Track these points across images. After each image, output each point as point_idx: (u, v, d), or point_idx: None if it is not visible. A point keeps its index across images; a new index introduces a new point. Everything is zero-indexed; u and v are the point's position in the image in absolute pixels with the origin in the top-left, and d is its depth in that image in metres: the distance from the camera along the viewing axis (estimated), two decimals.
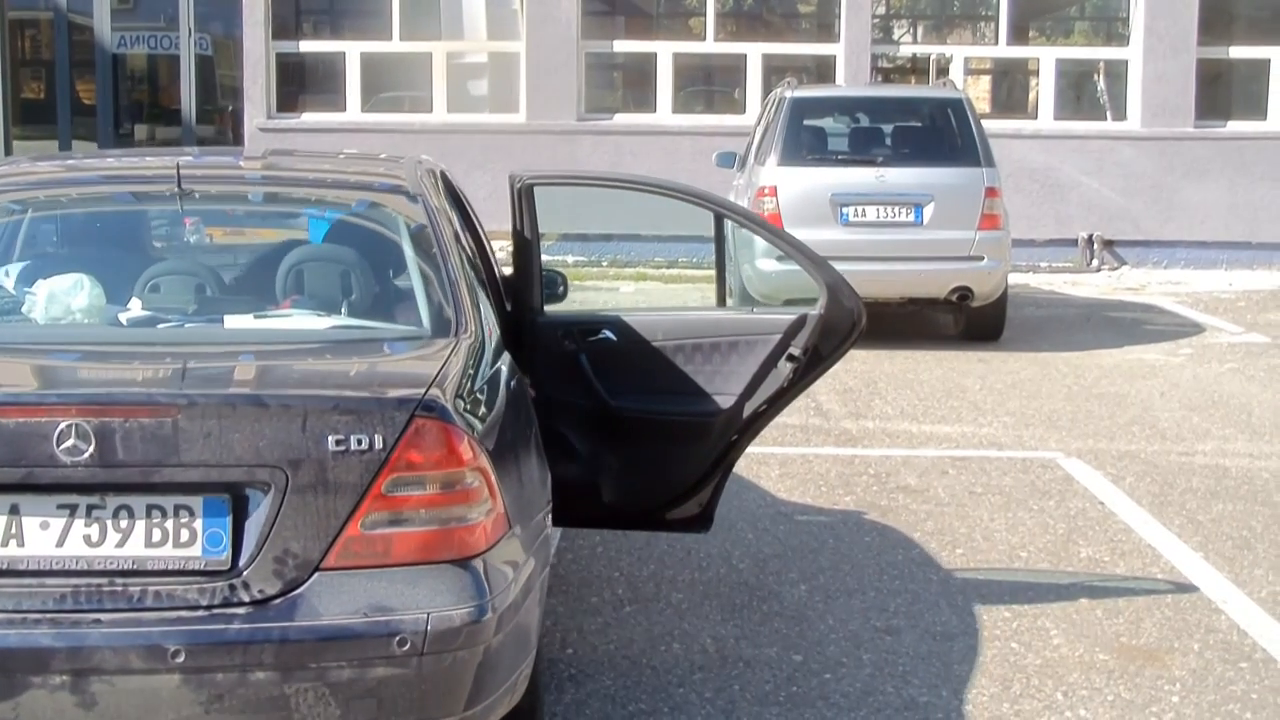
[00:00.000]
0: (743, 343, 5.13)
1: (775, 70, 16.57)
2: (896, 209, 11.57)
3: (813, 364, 5.11)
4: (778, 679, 5.03)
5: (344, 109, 17.19)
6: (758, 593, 5.86)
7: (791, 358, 5.05)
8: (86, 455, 3.47)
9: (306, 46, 17.44)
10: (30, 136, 18.70)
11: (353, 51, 17.26)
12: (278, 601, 3.52)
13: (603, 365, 5.12)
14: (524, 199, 5.19)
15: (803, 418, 8.89)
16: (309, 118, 17.09)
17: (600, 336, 5.18)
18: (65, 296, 4.43)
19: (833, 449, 8.31)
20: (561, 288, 5.58)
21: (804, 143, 12.05)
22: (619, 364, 5.14)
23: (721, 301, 5.38)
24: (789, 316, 5.12)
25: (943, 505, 7.16)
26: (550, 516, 4.45)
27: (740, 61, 16.97)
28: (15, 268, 4.79)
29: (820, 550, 6.42)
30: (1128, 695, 4.95)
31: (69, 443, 3.46)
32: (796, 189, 11.52)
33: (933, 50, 17.61)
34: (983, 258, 11.43)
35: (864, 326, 5.08)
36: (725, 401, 5.11)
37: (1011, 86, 18.72)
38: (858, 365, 10.58)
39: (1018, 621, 5.58)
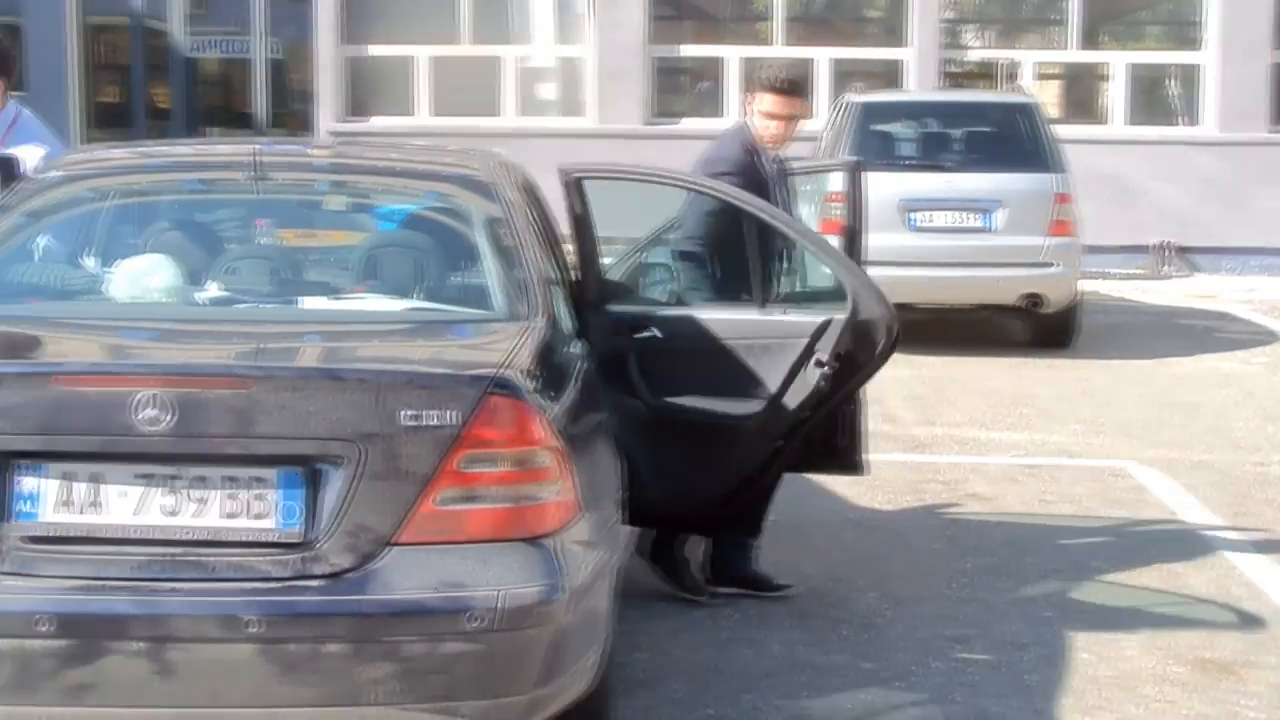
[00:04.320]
0: (775, 345, 5.16)
1: (844, 75, 16.53)
2: (966, 214, 11.50)
3: (850, 370, 5.09)
4: (847, 686, 4.98)
5: (414, 113, 17.29)
6: (826, 599, 5.81)
7: (820, 363, 5.04)
8: (165, 426, 3.51)
9: (377, 50, 17.55)
10: (106, 139, 18.93)
11: (423, 55, 17.36)
12: (351, 575, 3.53)
13: (648, 362, 5.18)
14: (574, 191, 5.21)
15: (872, 424, 8.76)
16: (379, 121, 17.20)
17: (648, 334, 5.23)
18: (144, 277, 4.50)
19: (902, 455, 8.23)
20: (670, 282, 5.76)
21: (872, 148, 11.98)
22: (664, 362, 5.20)
23: (763, 303, 5.36)
24: (816, 320, 5.13)
25: (1013, 513, 7.09)
26: (622, 507, 4.45)
27: (809, 66, 16.94)
28: (97, 249, 4.87)
29: (889, 557, 6.37)
30: (1203, 709, 4.85)
31: (148, 413, 3.50)
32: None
33: (1002, 55, 17.51)
34: (1053, 264, 11.33)
35: (898, 333, 5.05)
36: (758, 406, 5.15)
37: (1082, 91, 18.58)
38: (927, 372, 10.52)
39: (1090, 632, 5.49)
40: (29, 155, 5.58)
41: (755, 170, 5.81)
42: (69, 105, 18.06)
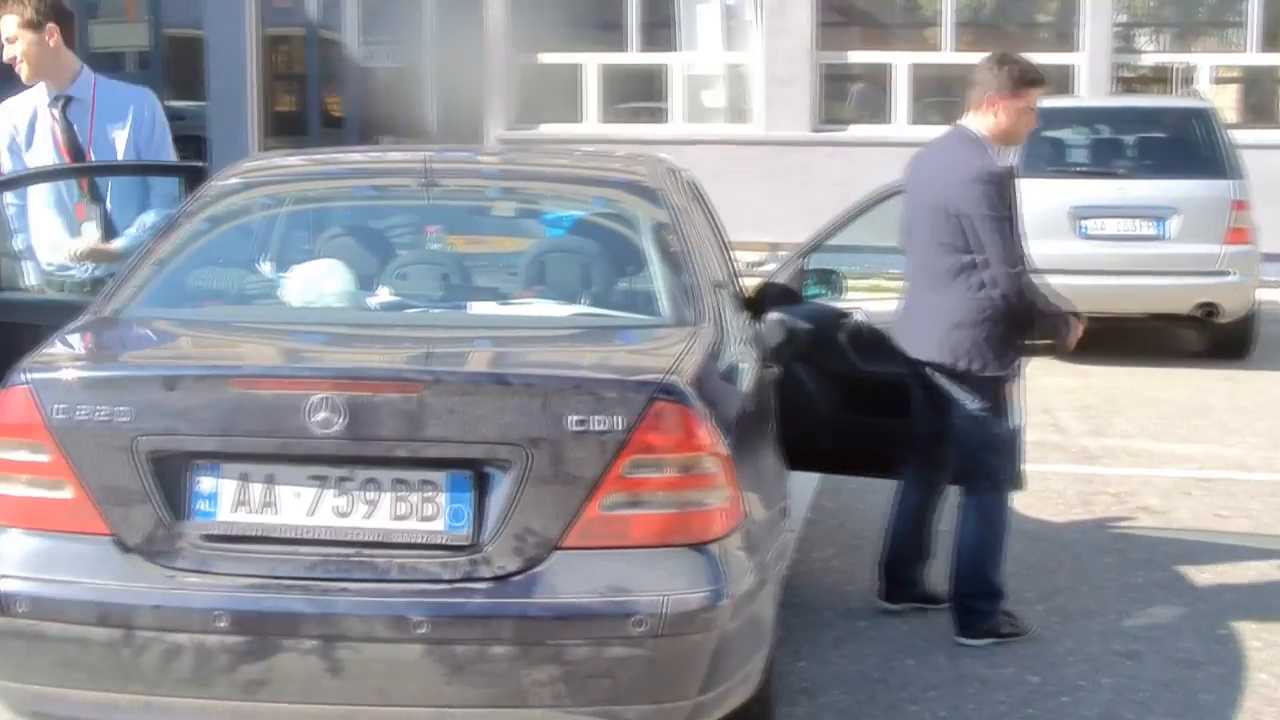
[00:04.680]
0: None
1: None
2: (1139, 222, 11.26)
3: None
4: (1013, 700, 4.91)
5: (582, 120, 17.42)
6: None
7: None
8: (337, 428, 3.57)
9: (546, 58, 17.72)
10: (282, 147, 19.37)
11: (591, 63, 17.50)
12: (518, 578, 3.57)
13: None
14: None
15: (1040, 434, 8.69)
16: (547, 129, 17.36)
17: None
18: (318, 282, 4.58)
19: (1071, 466, 8.10)
20: (836, 287, 5.86)
21: (1043, 154, 11.78)
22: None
23: None
24: None
25: (1186, 528, 6.93)
26: (787, 513, 4.44)
27: None
28: (272, 254, 4.98)
29: (1058, 570, 6.26)
30: None
31: (321, 415, 3.57)
32: (1035, 201, 11.20)
33: (1177, 59, 17.12)
34: (1230, 272, 11.04)
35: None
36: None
37: (1262, 95, 18.08)
38: (1097, 381, 10.33)
39: (1268, 652, 5.34)
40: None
41: None
42: (248, 114, 18.52)
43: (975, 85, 5.45)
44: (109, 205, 5.67)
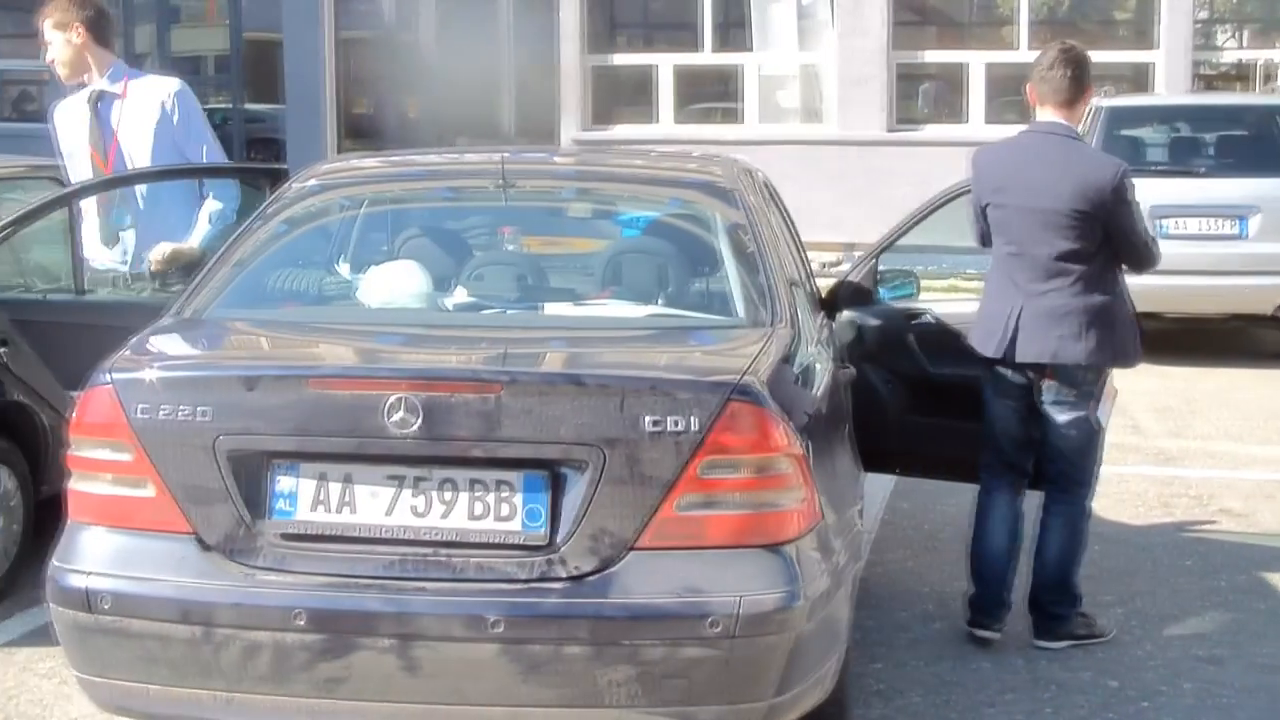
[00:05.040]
0: None
1: (1091, 78, 16.14)
2: (1219, 221, 11.14)
3: None
4: (1092, 704, 4.87)
5: (656, 121, 17.44)
6: None
7: None
8: (414, 428, 3.60)
9: (620, 60, 17.76)
10: (359, 149, 19.50)
11: (665, 64, 17.51)
12: (593, 578, 3.58)
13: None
14: None
15: (1118, 435, 8.59)
16: (622, 130, 17.39)
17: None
18: (394, 283, 4.62)
19: (1150, 468, 8.03)
20: (911, 288, 5.78)
21: (1120, 153, 11.58)
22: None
23: None
24: None
25: (1269, 531, 6.84)
26: (862, 514, 4.42)
27: None
28: (349, 256, 5.02)
29: (1137, 573, 6.20)
30: None
31: (398, 416, 3.59)
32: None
33: (1258, 55, 16.91)
34: None
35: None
36: None
37: None
38: (1175, 383, 10.22)
39: None
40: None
41: None
42: (324, 117, 18.60)
43: (1071, 81, 5.28)
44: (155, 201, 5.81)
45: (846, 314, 5.64)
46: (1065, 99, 5.30)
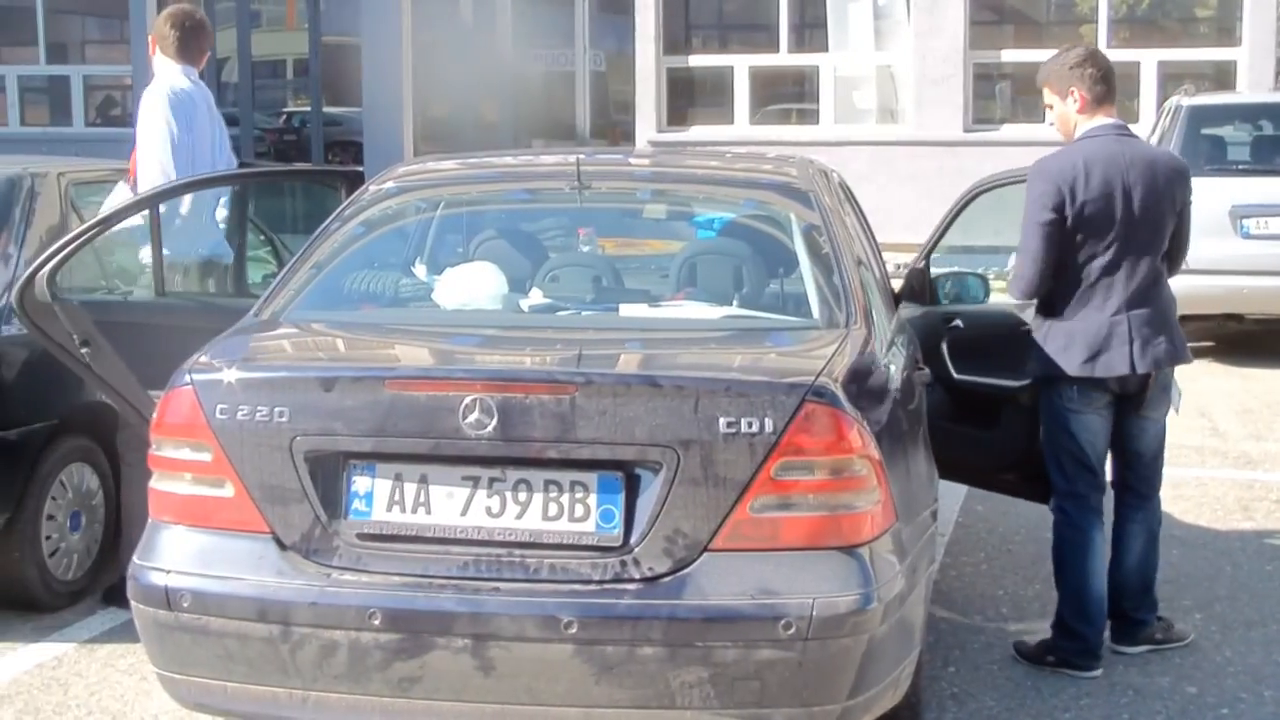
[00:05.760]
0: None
1: (1171, 77, 15.99)
2: None
3: None
4: (1170, 711, 4.81)
5: (732, 122, 17.43)
6: None
7: None
8: (489, 429, 3.62)
9: (696, 61, 17.76)
10: (436, 152, 19.63)
11: (741, 65, 17.49)
12: (667, 580, 3.59)
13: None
14: None
15: (1198, 438, 8.52)
16: (697, 131, 17.39)
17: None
18: (471, 285, 4.64)
19: (1231, 471, 7.92)
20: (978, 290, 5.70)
21: (1202, 152, 11.55)
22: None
23: None
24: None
25: None
26: (937, 515, 4.40)
27: (1134, 69, 16.43)
28: (426, 257, 5.06)
29: (1217, 578, 6.12)
30: None
31: (474, 417, 3.61)
32: (1194, 201, 11.05)
33: None
34: None
35: None
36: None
37: None
38: (1257, 385, 10.08)
39: None
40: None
41: None
42: (403, 119, 18.80)
43: (1110, 84, 5.17)
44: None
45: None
46: (1110, 100, 5.19)
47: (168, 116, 5.91)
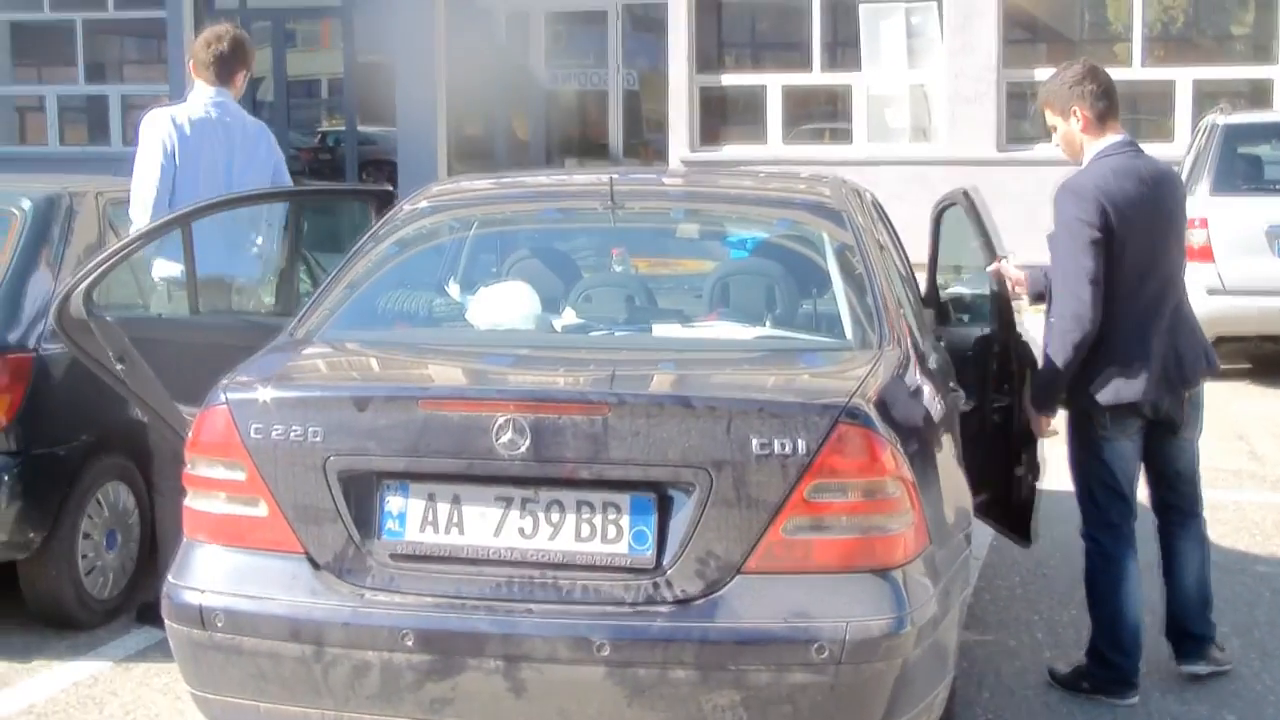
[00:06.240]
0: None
1: (1206, 96, 15.90)
2: None
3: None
4: None
5: (765, 141, 17.43)
6: None
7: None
8: (523, 450, 3.62)
9: (729, 80, 17.76)
10: (469, 170, 19.66)
11: (774, 84, 17.49)
12: (699, 602, 3.58)
13: None
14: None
15: (1236, 461, 8.44)
16: (730, 150, 17.40)
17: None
18: (504, 304, 4.65)
19: (1269, 495, 7.84)
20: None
21: (1238, 171, 11.49)
22: None
23: None
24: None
25: None
26: (971, 538, 4.38)
27: (1169, 87, 16.37)
28: (460, 277, 5.06)
29: (1256, 603, 6.07)
30: None
31: (507, 437, 3.62)
32: (1229, 220, 10.98)
33: None
34: None
35: None
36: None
37: None
38: None
39: None
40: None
41: None
42: (436, 138, 18.87)
43: (1112, 99, 5.03)
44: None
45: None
46: (1117, 113, 5.07)
47: (150, 149, 5.89)
